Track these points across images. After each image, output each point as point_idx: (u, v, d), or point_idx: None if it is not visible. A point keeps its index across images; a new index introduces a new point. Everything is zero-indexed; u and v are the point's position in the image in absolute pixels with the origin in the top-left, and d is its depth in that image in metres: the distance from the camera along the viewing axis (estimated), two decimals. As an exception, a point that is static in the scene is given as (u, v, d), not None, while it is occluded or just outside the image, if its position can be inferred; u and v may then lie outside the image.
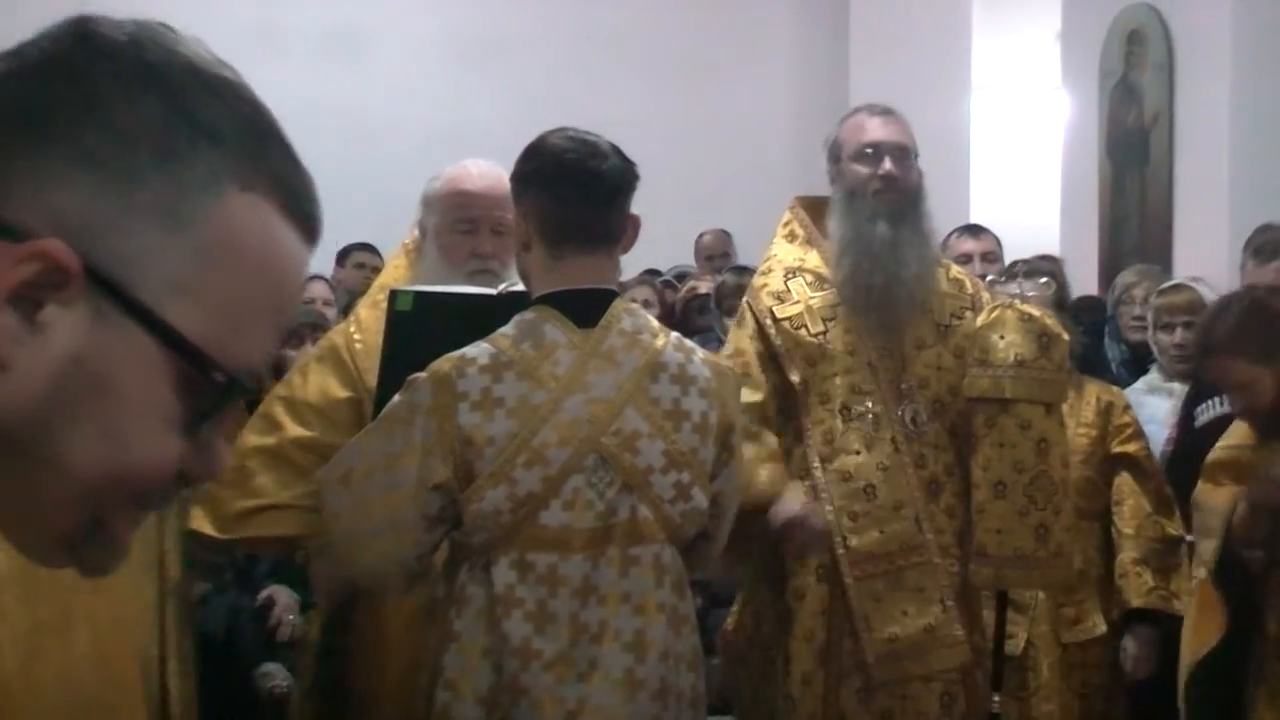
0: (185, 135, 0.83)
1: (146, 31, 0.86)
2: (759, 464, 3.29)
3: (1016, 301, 3.39)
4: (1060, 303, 4.13)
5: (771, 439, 3.39)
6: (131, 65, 0.84)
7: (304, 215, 0.89)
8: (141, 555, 2.77)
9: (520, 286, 2.80)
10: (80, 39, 0.85)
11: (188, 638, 3.01)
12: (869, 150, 3.48)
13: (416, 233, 3.22)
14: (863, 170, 3.48)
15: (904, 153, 3.50)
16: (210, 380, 0.84)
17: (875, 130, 3.50)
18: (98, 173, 0.81)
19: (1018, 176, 7.83)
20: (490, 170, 3.10)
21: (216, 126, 0.85)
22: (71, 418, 0.82)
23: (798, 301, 3.49)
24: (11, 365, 0.80)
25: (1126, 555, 4.00)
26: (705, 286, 6.21)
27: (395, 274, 3.24)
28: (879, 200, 3.45)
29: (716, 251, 7.23)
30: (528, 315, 2.64)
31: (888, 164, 3.45)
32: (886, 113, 3.55)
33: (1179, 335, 4.33)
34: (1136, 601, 3.96)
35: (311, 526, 2.90)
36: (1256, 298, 3.50)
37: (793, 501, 3.31)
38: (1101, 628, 4.03)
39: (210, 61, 0.88)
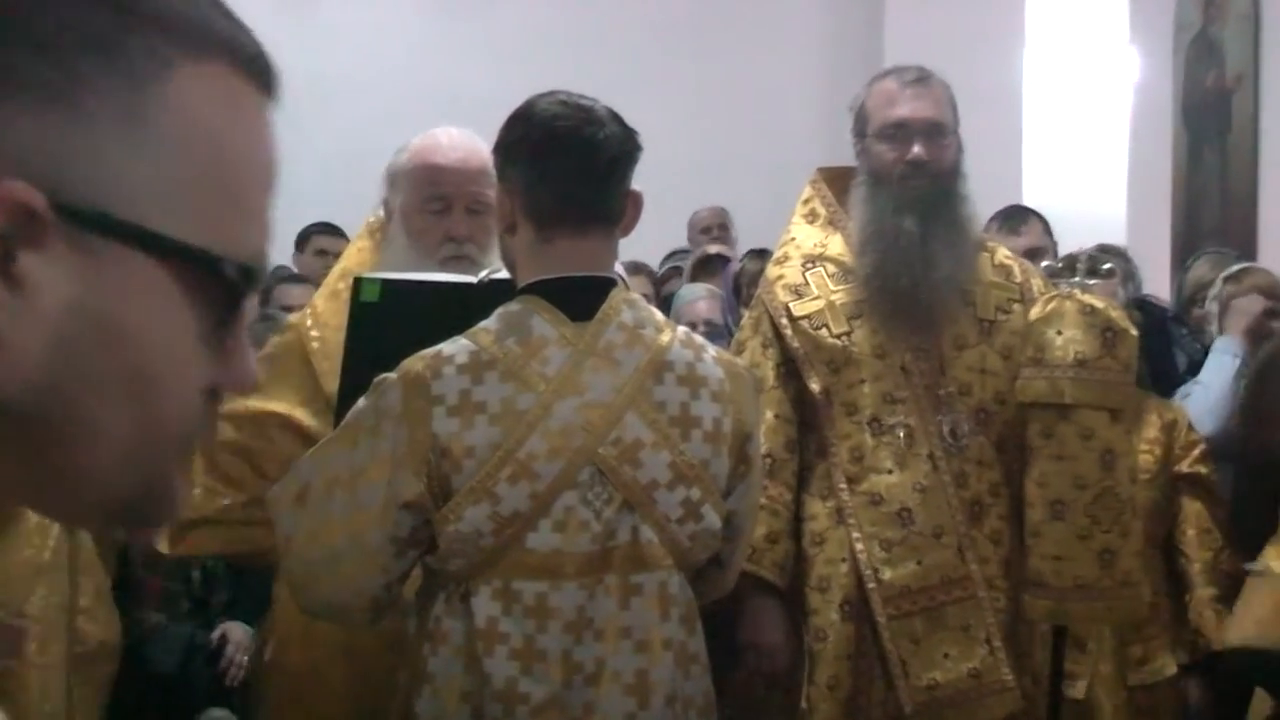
0: (110, 16, 0.83)
1: None
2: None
3: (1077, 291, 3.37)
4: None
5: (783, 493, 3.42)
6: None
7: (256, 65, 0.89)
8: (54, 617, 2.80)
9: (503, 274, 2.80)
10: None
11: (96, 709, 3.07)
12: (896, 129, 3.48)
13: (382, 213, 3.23)
14: (888, 152, 3.48)
15: (938, 130, 3.49)
16: (222, 277, 0.85)
17: (904, 104, 3.49)
18: (35, 93, 0.80)
19: (1078, 147, 7.84)
20: (465, 140, 3.10)
21: None
22: (86, 375, 0.81)
23: (818, 297, 3.49)
24: None
25: (1205, 592, 3.99)
26: None
27: (358, 258, 3.24)
28: (906, 188, 3.45)
29: (714, 223, 7.23)
30: (513, 307, 2.64)
31: (917, 147, 3.45)
32: (919, 80, 3.52)
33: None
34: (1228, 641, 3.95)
35: (246, 544, 2.95)
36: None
37: (772, 626, 3.42)
38: (1171, 669, 4.02)
39: None
